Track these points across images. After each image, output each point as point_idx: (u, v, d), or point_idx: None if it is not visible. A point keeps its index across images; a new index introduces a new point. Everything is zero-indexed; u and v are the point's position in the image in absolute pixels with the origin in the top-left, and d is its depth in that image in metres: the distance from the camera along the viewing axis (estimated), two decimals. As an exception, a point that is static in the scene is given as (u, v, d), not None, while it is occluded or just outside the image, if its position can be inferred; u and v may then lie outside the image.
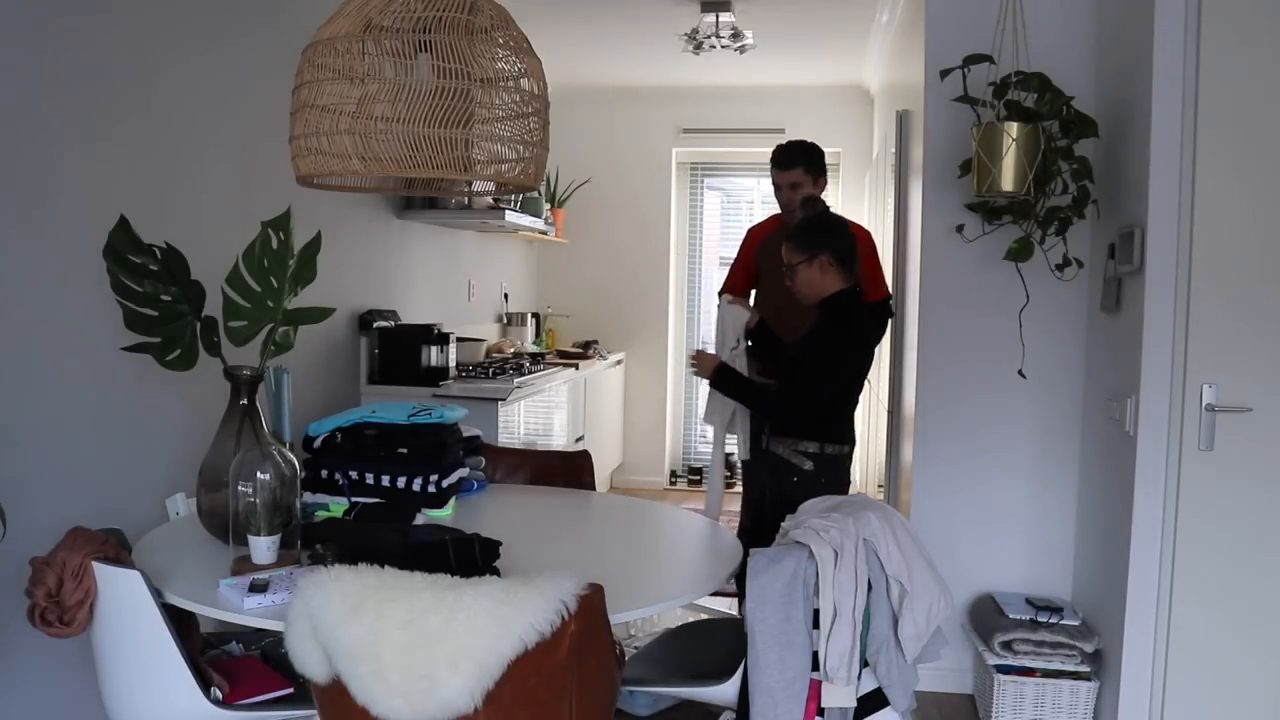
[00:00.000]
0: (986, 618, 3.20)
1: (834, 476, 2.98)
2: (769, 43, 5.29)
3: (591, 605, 1.56)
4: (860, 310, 3.00)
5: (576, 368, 5.54)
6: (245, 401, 2.21)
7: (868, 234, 3.80)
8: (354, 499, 2.41)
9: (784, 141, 3.68)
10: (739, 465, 3.30)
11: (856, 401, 3.09)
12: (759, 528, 2.91)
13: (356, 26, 1.84)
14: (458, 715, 1.50)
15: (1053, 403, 3.34)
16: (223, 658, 2.14)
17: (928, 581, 2.01)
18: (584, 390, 5.75)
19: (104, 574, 1.84)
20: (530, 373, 4.81)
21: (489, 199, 4.88)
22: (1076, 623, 3.08)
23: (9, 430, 2.37)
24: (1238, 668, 2.68)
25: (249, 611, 1.77)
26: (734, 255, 3.95)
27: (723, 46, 4.92)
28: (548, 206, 6.16)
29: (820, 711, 1.94)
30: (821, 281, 2.94)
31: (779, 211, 3.74)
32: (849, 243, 2.97)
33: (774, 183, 3.64)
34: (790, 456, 2.96)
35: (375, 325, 4.22)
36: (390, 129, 1.80)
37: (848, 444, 3.03)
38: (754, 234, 3.84)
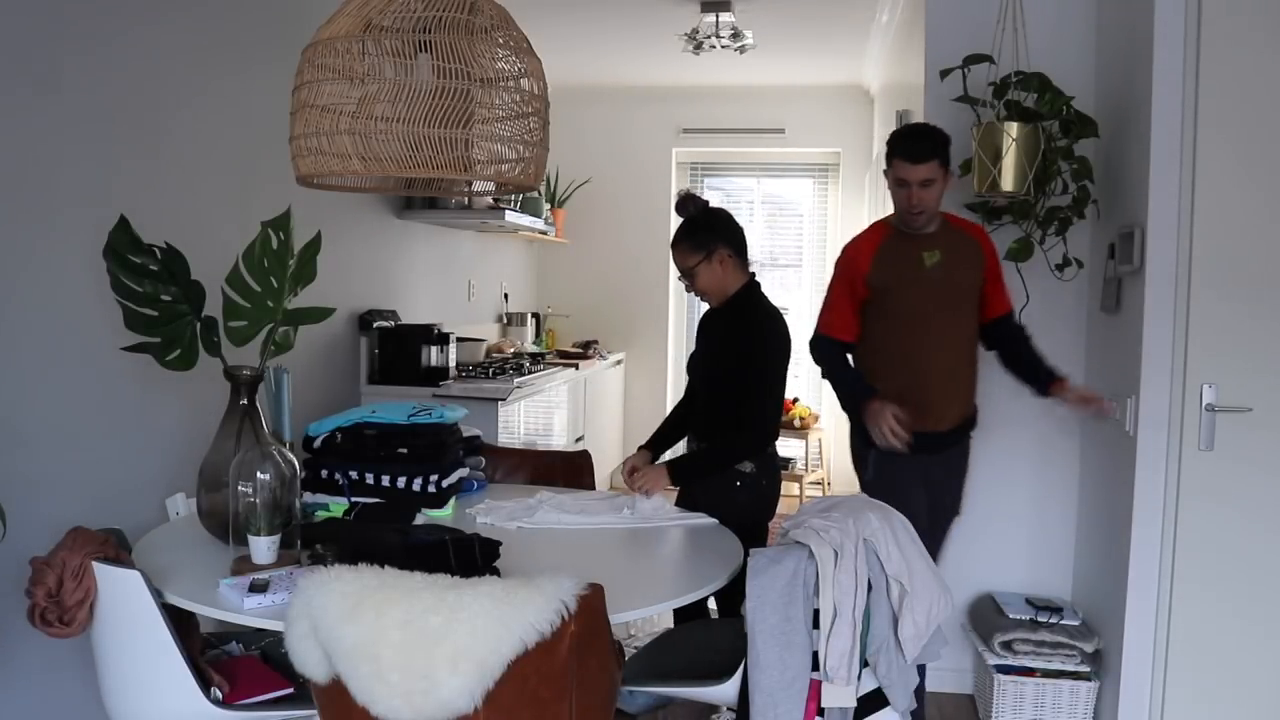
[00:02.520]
0: (986, 618, 3.20)
1: (772, 476, 2.84)
2: (769, 43, 5.29)
3: (591, 605, 1.56)
4: (765, 300, 2.88)
5: (576, 368, 5.54)
6: (245, 401, 2.21)
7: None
8: (354, 499, 2.41)
9: (905, 127, 2.98)
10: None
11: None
12: None
13: (356, 26, 1.84)
14: (458, 715, 1.50)
15: (1053, 403, 3.34)
16: (223, 658, 2.14)
17: (928, 581, 2.01)
18: (584, 390, 5.75)
19: (104, 574, 1.85)
20: (530, 373, 4.81)
21: (489, 199, 4.88)
22: (1076, 623, 3.08)
23: (9, 430, 2.36)
24: (1238, 668, 2.68)
25: (249, 611, 1.77)
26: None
27: (723, 46, 4.92)
28: (548, 206, 6.16)
29: (820, 711, 1.94)
30: (725, 278, 2.83)
31: (883, 218, 3.06)
32: (741, 233, 2.89)
33: (897, 178, 2.85)
34: None
35: (375, 325, 4.22)
36: (390, 129, 1.80)
37: (775, 438, 2.88)
38: (859, 249, 2.99)
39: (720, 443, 2.79)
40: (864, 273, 2.93)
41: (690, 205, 2.91)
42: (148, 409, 2.82)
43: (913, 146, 2.83)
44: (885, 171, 2.93)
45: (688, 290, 2.93)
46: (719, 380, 2.85)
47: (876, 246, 2.96)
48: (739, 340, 2.80)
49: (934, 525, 3.00)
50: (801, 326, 7.36)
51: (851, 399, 2.96)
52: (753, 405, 2.75)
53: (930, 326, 2.90)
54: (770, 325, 2.82)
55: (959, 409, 2.98)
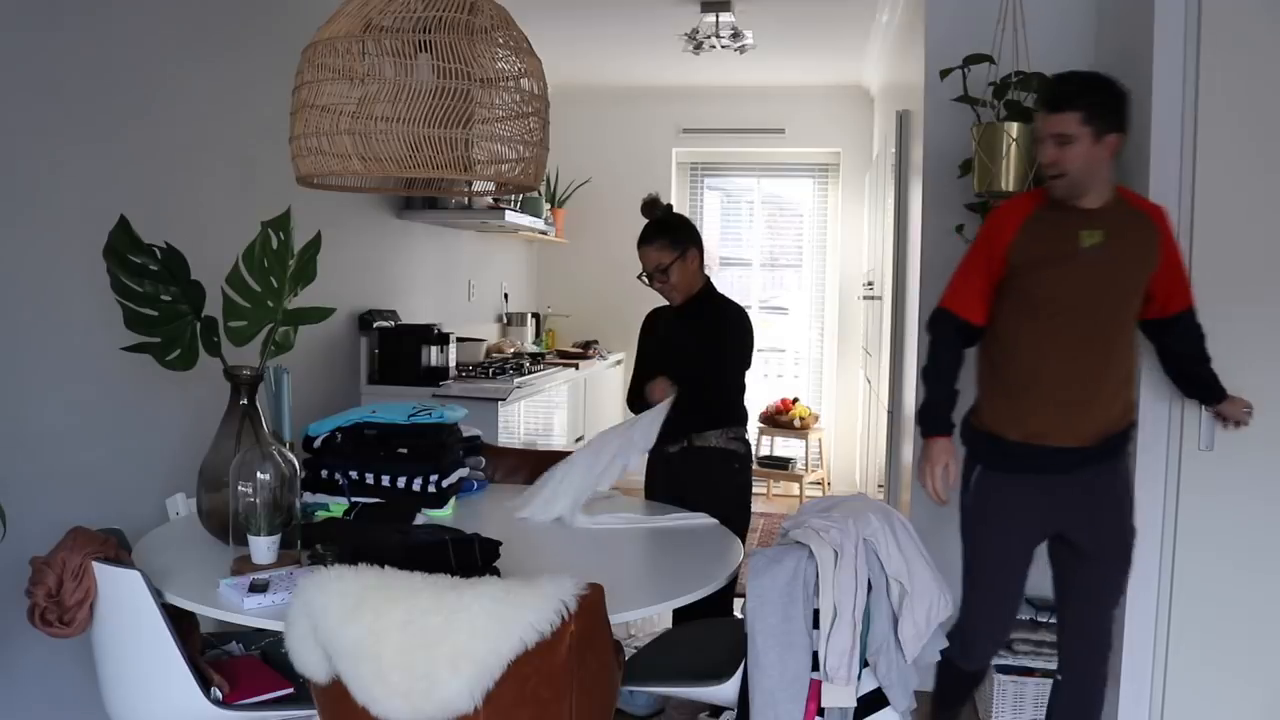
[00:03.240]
0: (986, 618, 3.20)
1: (750, 457, 3.19)
2: (769, 43, 5.29)
3: (591, 605, 1.56)
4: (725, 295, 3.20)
5: (576, 368, 5.54)
6: (245, 401, 2.21)
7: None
8: (354, 499, 2.41)
9: (1061, 73, 2.46)
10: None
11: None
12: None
13: (356, 26, 1.84)
14: (458, 715, 1.50)
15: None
16: (223, 658, 2.14)
17: (928, 582, 2.00)
18: (584, 390, 5.75)
19: (104, 574, 1.85)
20: (530, 373, 4.81)
21: (489, 199, 4.88)
22: (1076, 623, 3.07)
23: (9, 430, 2.36)
24: (1238, 668, 2.68)
25: (249, 611, 1.77)
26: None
27: (723, 46, 4.92)
28: (548, 206, 6.16)
29: (820, 711, 1.94)
30: (694, 276, 3.09)
31: (1035, 189, 2.57)
32: (699, 235, 3.17)
33: (1034, 128, 2.47)
34: (727, 445, 3.07)
35: (375, 325, 4.22)
36: (390, 129, 1.80)
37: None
38: (1006, 215, 2.46)
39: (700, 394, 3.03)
40: (1006, 243, 2.40)
41: (658, 208, 3.15)
42: (148, 409, 2.81)
43: (1051, 90, 2.35)
44: None
45: (653, 286, 3.13)
46: (713, 368, 3.04)
47: (1027, 215, 2.42)
48: (731, 328, 3.08)
49: (1087, 571, 2.50)
50: (801, 328, 7.27)
51: (924, 415, 2.50)
52: (725, 376, 3.09)
53: (1077, 320, 2.38)
54: (744, 317, 3.16)
55: (1102, 422, 2.44)
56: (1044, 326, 2.40)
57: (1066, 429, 2.42)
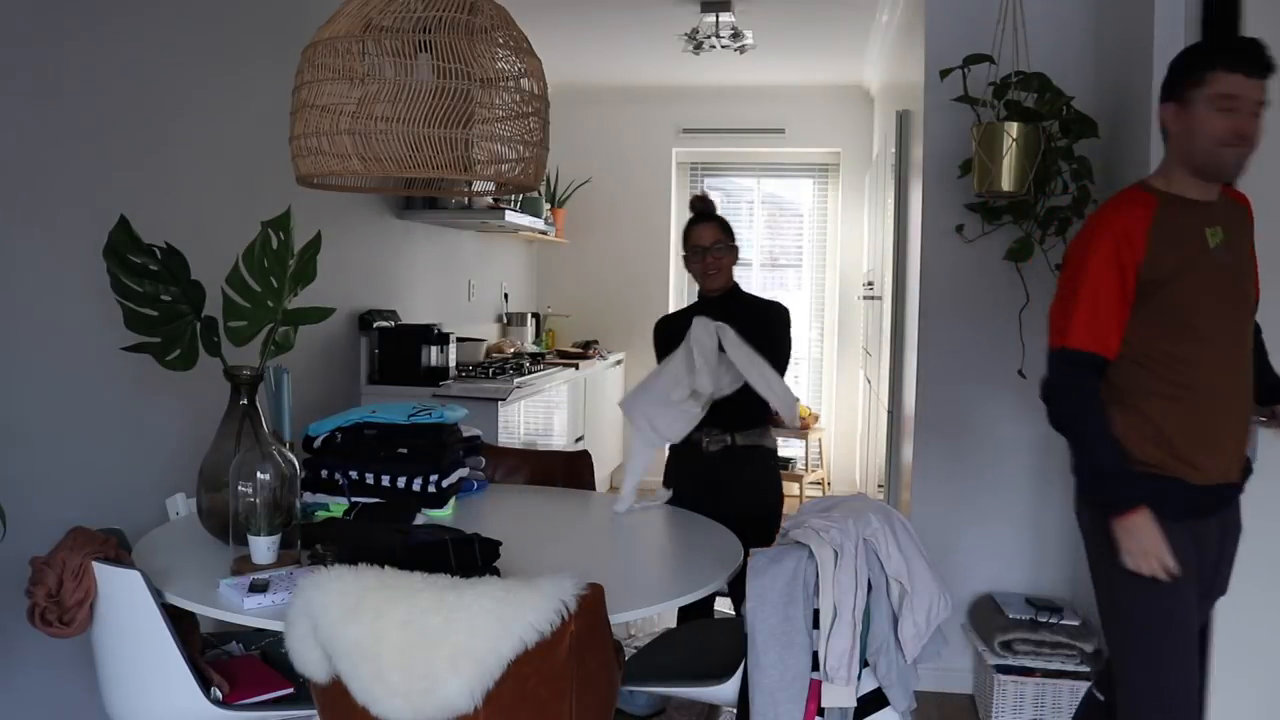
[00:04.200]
0: (986, 618, 3.21)
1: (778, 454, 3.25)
2: (769, 43, 5.29)
3: (591, 605, 1.56)
4: None
5: (576, 368, 5.54)
6: (245, 401, 2.21)
7: None
8: (354, 499, 2.41)
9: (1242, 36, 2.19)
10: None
11: None
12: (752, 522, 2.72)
13: (356, 26, 1.84)
14: (457, 715, 1.50)
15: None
16: (223, 658, 2.14)
17: (928, 582, 2.00)
18: (584, 390, 5.75)
19: (104, 574, 1.85)
20: (530, 373, 4.81)
21: (489, 199, 4.88)
22: (1076, 623, 3.08)
23: (9, 430, 2.37)
24: (1240, 667, 2.68)
25: (249, 611, 1.77)
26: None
27: (723, 46, 4.92)
28: (548, 206, 6.16)
29: (820, 711, 1.94)
30: (733, 268, 3.21)
31: (1141, 183, 2.16)
32: None
33: (1219, 95, 1.97)
34: (765, 441, 3.12)
35: (375, 325, 4.22)
36: (390, 129, 1.80)
37: None
38: (1130, 224, 2.04)
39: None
40: (1139, 259, 2.01)
41: (709, 203, 3.26)
42: (148, 409, 2.82)
43: (1248, 54, 1.96)
44: (1168, 103, 2.07)
45: (701, 264, 3.12)
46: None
47: (1151, 220, 2.03)
48: (778, 320, 3.13)
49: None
50: (801, 328, 7.29)
51: (1112, 487, 2.05)
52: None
53: (1215, 332, 2.05)
54: (786, 308, 3.20)
55: (1243, 453, 2.14)
56: (1186, 348, 2.05)
57: (1229, 462, 2.10)
